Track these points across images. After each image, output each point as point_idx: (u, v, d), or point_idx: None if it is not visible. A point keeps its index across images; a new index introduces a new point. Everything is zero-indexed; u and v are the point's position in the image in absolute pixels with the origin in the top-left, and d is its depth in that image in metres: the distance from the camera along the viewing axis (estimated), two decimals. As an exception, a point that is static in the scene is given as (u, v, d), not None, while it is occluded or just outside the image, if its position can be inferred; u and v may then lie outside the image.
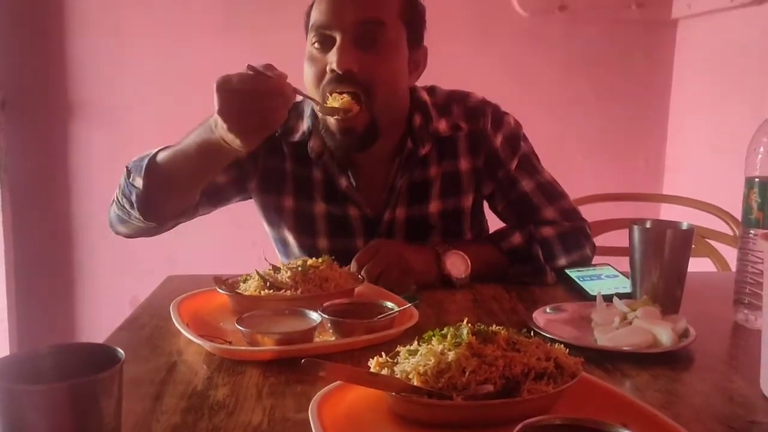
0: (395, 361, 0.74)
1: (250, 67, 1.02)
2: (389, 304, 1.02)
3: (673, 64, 2.80)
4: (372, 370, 0.73)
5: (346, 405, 0.71)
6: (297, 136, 1.37)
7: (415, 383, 0.69)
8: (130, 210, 1.26)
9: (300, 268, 1.11)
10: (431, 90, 1.43)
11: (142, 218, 1.26)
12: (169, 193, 1.25)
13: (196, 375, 0.85)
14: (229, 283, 1.11)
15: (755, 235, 1.03)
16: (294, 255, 1.44)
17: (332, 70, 1.20)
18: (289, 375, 0.84)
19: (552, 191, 1.43)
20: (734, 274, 1.10)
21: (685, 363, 0.92)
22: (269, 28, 2.57)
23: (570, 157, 2.83)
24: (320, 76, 1.24)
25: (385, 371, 0.73)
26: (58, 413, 0.55)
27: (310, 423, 0.65)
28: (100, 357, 0.60)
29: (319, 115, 1.27)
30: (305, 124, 1.37)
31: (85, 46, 2.68)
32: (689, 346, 0.93)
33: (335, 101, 1.20)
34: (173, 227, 1.35)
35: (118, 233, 1.40)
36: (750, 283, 1.05)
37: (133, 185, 1.23)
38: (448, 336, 0.73)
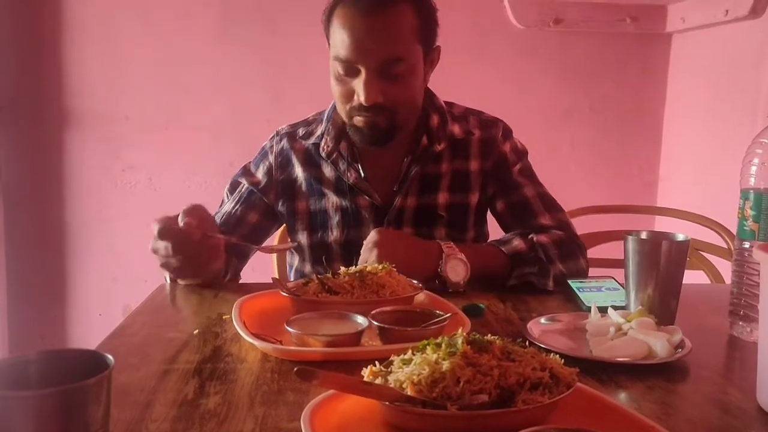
0: (389, 370, 0.73)
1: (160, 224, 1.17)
2: (440, 313, 1.01)
3: (668, 76, 2.82)
4: (365, 379, 0.73)
5: (339, 414, 0.70)
6: (313, 139, 1.47)
7: (409, 393, 0.68)
8: None
9: (358, 274, 1.12)
10: (449, 104, 1.53)
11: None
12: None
13: (187, 383, 0.84)
14: (289, 287, 1.13)
15: (751, 246, 1.03)
16: (305, 261, 1.51)
17: (360, 103, 1.31)
18: (282, 383, 0.84)
19: (551, 203, 1.49)
20: (729, 286, 1.09)
21: (681, 374, 0.91)
22: (264, 37, 2.56)
23: (564, 168, 2.84)
24: (347, 97, 1.34)
25: (378, 380, 0.72)
26: (45, 419, 0.54)
27: (302, 432, 0.64)
28: (89, 363, 0.59)
29: (345, 119, 1.38)
30: (322, 127, 1.47)
31: (81, 55, 2.68)
32: (684, 357, 0.93)
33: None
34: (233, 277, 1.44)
35: None
36: (746, 295, 1.05)
37: None
38: (443, 345, 0.73)
